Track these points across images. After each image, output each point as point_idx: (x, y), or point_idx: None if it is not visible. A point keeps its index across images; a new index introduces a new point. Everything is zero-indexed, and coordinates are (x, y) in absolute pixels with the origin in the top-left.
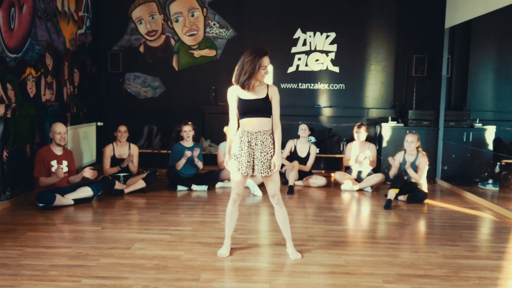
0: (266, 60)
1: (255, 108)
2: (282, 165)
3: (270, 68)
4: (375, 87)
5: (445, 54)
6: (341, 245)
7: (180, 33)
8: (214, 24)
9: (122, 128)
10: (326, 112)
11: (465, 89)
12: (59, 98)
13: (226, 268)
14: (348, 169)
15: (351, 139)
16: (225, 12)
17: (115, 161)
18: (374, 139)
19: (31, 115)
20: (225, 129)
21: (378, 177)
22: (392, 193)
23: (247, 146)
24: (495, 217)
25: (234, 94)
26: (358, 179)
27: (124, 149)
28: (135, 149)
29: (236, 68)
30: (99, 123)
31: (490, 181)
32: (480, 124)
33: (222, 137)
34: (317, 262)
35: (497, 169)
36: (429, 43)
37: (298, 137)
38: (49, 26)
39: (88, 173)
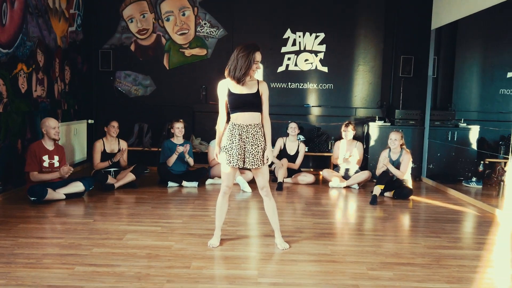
0: (258, 56)
1: (247, 102)
2: (272, 163)
3: (260, 65)
4: (363, 87)
5: (431, 55)
6: (327, 236)
7: (171, 32)
8: (205, 24)
9: (115, 124)
10: (315, 111)
11: (451, 90)
12: (50, 95)
13: (216, 256)
14: (336, 167)
15: (339, 137)
16: (216, 12)
17: (106, 155)
18: (362, 138)
19: (22, 110)
20: None
21: (364, 175)
22: (377, 189)
23: (238, 139)
24: (478, 212)
25: (225, 87)
26: (346, 177)
27: (114, 144)
28: (124, 144)
29: (230, 62)
30: (90, 121)
31: (474, 179)
32: (465, 124)
33: (212, 135)
34: (304, 251)
35: (480, 168)
36: (416, 44)
37: (287, 135)
38: (40, 23)
39: (63, 170)
